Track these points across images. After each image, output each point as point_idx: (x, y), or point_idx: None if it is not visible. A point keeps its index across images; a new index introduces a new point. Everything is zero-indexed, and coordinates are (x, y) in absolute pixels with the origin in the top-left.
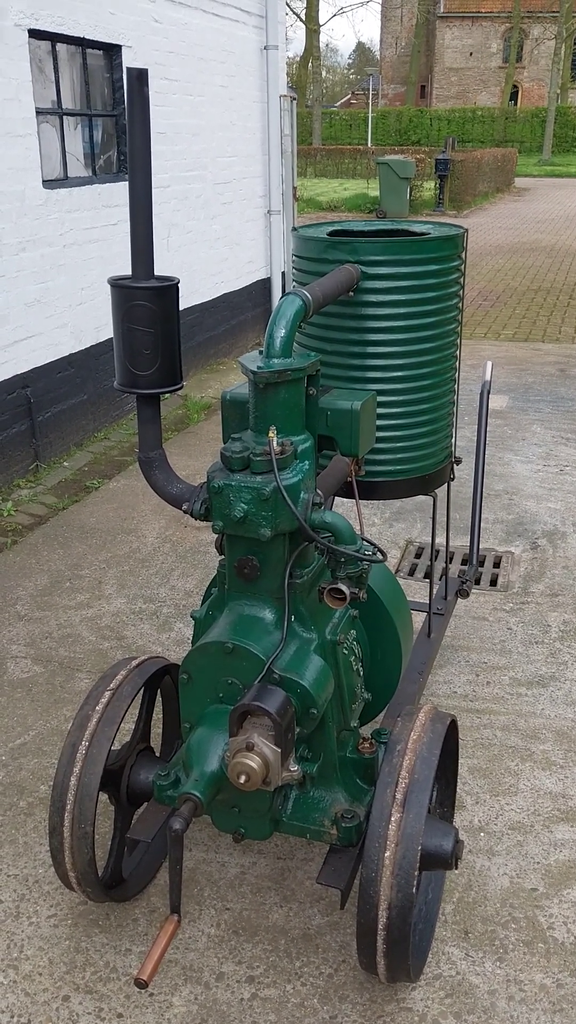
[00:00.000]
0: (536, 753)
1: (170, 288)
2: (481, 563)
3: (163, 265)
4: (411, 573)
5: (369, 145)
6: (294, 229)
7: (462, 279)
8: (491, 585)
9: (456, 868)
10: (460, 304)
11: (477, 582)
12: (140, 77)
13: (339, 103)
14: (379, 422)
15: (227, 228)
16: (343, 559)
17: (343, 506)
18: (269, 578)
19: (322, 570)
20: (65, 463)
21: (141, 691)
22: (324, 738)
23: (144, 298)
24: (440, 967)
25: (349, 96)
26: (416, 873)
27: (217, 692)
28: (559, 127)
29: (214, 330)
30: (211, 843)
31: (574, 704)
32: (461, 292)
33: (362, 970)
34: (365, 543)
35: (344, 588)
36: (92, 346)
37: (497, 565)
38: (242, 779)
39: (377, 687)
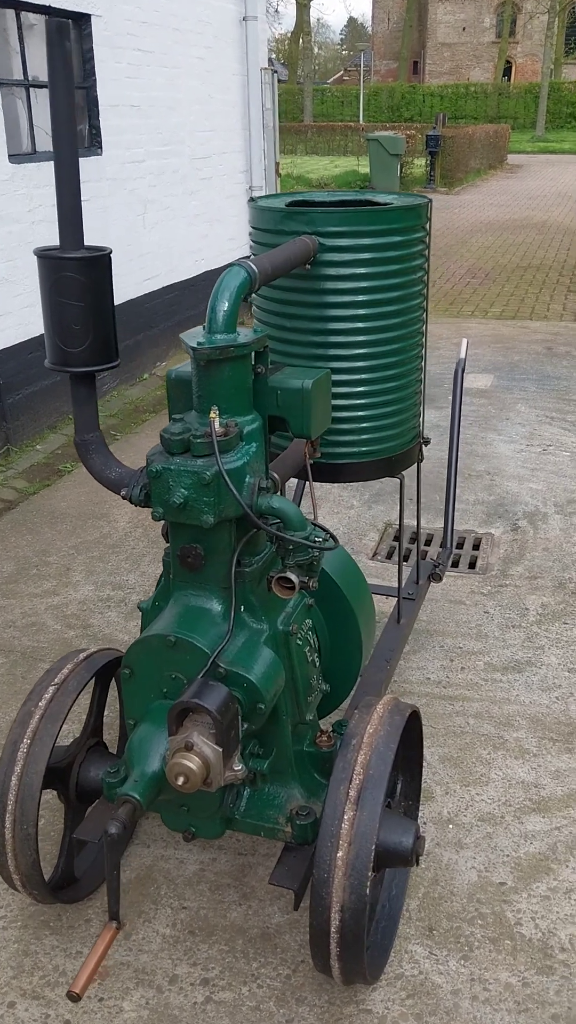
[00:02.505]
0: (509, 741)
1: (101, 258)
2: (459, 545)
3: (140, 243)
4: (388, 556)
5: (361, 122)
6: (251, 200)
7: (427, 251)
8: (469, 567)
9: (417, 864)
10: (425, 277)
11: (455, 565)
12: (60, 30)
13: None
14: (342, 402)
15: (207, 205)
16: (292, 547)
17: (320, 489)
18: (215, 567)
19: (273, 558)
20: (37, 446)
21: (93, 683)
22: (278, 733)
23: (73, 269)
24: (402, 966)
25: (341, 73)
26: (369, 874)
27: (161, 688)
28: (552, 103)
29: (194, 309)
30: (170, 839)
31: (550, 690)
32: (426, 265)
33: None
34: (316, 529)
35: (293, 577)
36: None
37: (476, 547)
38: (180, 781)
39: (337, 677)
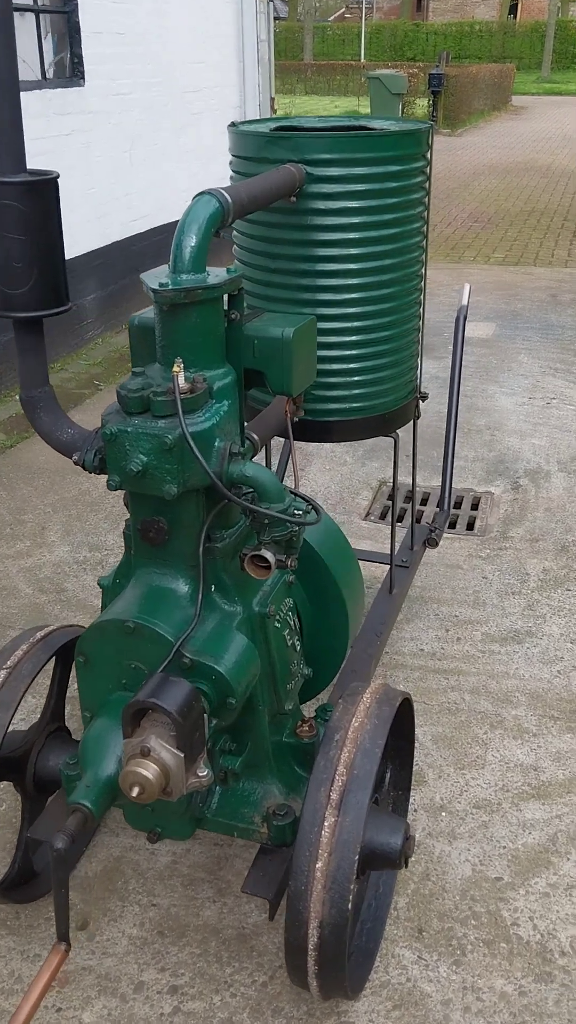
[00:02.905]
0: (507, 719)
1: (47, 184)
2: (457, 505)
3: (126, 181)
4: (382, 516)
5: (362, 61)
6: (231, 124)
7: (427, 183)
8: (467, 529)
9: (405, 867)
10: (425, 213)
11: (451, 526)
12: None
13: (332, 17)
14: (330, 352)
15: (198, 141)
16: (267, 521)
17: (311, 444)
18: (181, 543)
19: (248, 532)
20: (16, 396)
21: (54, 663)
22: (253, 725)
23: (12, 196)
24: (389, 972)
25: (343, 10)
26: (352, 887)
27: (119, 678)
28: (559, 43)
29: None
30: None
31: (551, 663)
32: (426, 199)
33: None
34: (297, 500)
35: (268, 555)
36: None
37: (475, 507)
38: (135, 791)
39: (321, 660)
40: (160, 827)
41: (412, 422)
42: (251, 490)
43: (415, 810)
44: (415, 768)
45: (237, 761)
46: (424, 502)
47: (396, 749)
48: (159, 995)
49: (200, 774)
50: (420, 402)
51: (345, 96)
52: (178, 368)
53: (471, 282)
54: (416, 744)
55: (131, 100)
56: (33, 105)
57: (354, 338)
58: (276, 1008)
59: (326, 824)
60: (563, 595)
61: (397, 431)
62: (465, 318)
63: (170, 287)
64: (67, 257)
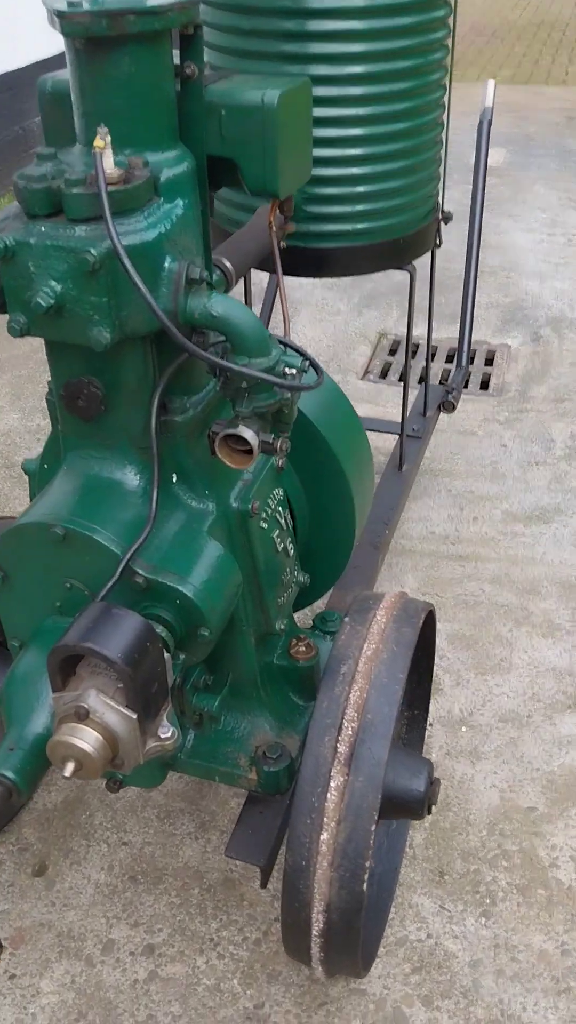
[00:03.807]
0: (535, 614)
1: None
2: (469, 361)
3: None
4: (383, 375)
5: None
6: None
7: None
8: (481, 388)
9: (429, 814)
10: None
11: (465, 386)
12: None
13: None
14: (330, 152)
15: None
16: (246, 384)
17: (299, 291)
18: (124, 415)
19: (219, 400)
20: None
21: None
22: (236, 650)
23: None
24: (406, 927)
25: None
26: (368, 865)
27: (52, 599)
28: None
29: None
30: None
31: None
32: None
33: None
34: (288, 354)
35: (248, 434)
36: None
37: (489, 363)
38: (69, 767)
39: (320, 562)
40: (122, 774)
41: (431, 252)
42: (221, 339)
43: (429, 724)
44: None
45: (215, 701)
46: (432, 357)
47: (412, 661)
48: (132, 957)
49: (163, 735)
50: (443, 224)
51: None
52: (102, 142)
53: (475, 103)
54: None
55: None
56: None
57: (360, 131)
58: (272, 972)
59: (332, 785)
60: None
61: (413, 263)
62: (490, 123)
63: (85, 7)
64: None
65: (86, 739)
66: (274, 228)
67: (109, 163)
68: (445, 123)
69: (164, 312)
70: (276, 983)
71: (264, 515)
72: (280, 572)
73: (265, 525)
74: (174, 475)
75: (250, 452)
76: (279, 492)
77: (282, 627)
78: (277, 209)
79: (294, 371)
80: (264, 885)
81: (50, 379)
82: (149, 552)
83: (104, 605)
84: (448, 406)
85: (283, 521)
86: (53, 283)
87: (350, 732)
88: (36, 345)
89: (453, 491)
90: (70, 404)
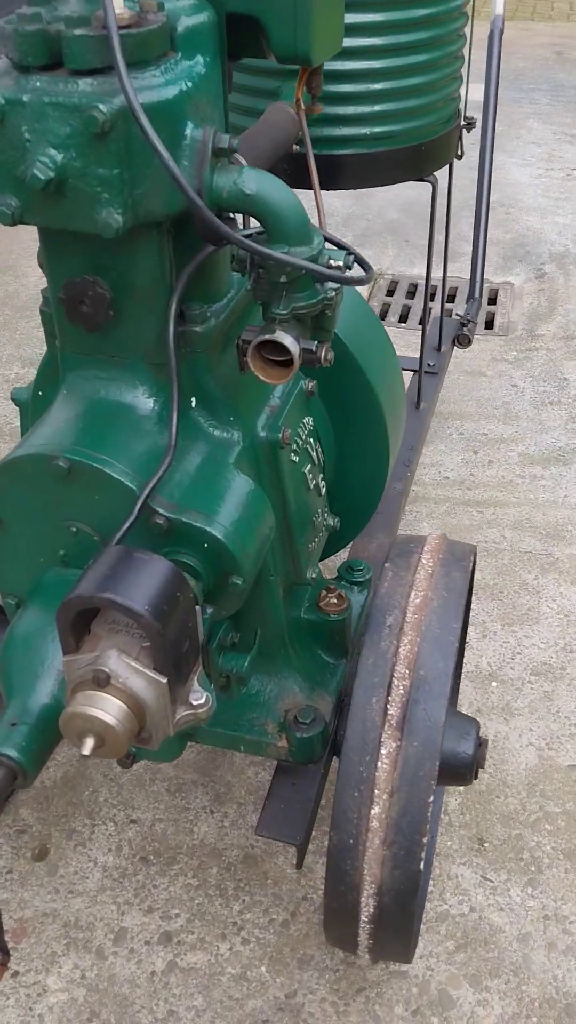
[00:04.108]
0: (561, 560)
1: None
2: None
3: None
4: (382, 317)
5: None
6: None
7: None
8: (487, 328)
9: (475, 779)
10: None
11: None
12: None
13: None
14: (347, 42)
15: None
16: (286, 278)
17: None
18: (135, 324)
19: (247, 306)
20: None
21: None
22: (263, 602)
23: None
24: (446, 900)
25: None
26: (425, 841)
27: (54, 547)
28: None
29: None
30: None
31: None
32: None
33: None
34: (330, 247)
35: (288, 341)
36: None
37: (493, 301)
38: (88, 744)
39: (349, 504)
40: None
41: (450, 165)
42: (256, 226)
43: None
44: None
45: (245, 661)
46: (432, 297)
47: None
48: (147, 947)
49: (195, 702)
50: (465, 132)
51: None
52: None
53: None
54: None
55: None
56: None
57: (378, 17)
58: (303, 957)
59: (383, 752)
60: None
61: (435, 174)
62: (501, 32)
63: None
64: None
65: (108, 709)
66: (302, 109)
67: (119, 2)
68: (469, 12)
69: (190, 187)
70: (308, 968)
71: (295, 446)
72: (311, 513)
73: (296, 458)
74: (193, 399)
75: (289, 363)
76: (309, 421)
77: (313, 576)
78: (307, 83)
79: (340, 263)
80: (299, 866)
81: (46, 286)
82: (169, 488)
83: (123, 549)
84: (464, 340)
85: (315, 455)
86: (52, 151)
87: (401, 691)
88: (12, 292)
89: (465, 434)
90: (72, 311)
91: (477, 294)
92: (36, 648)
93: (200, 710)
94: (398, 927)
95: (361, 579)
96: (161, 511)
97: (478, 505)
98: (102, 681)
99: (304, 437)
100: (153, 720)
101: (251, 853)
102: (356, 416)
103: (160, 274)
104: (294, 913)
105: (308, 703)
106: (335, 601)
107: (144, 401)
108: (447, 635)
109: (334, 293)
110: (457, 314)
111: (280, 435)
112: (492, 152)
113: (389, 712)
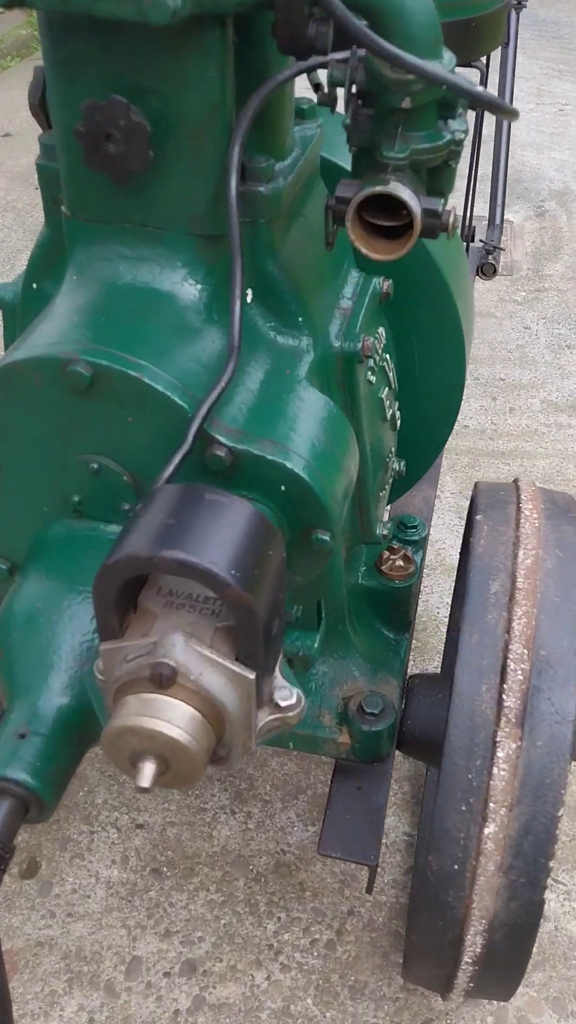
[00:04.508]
0: None
1: None
2: (471, 238)
3: None
4: None
5: None
6: None
7: None
8: None
9: None
10: None
11: None
12: None
13: None
14: None
15: None
16: (410, 103)
17: None
18: (180, 176)
19: (313, 177)
20: None
21: None
22: (326, 567)
23: None
24: None
25: None
26: (551, 865)
27: (65, 491)
28: None
29: None
30: None
31: None
32: None
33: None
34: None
35: (406, 194)
36: None
37: None
38: (147, 770)
39: (414, 445)
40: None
41: (502, 49)
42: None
43: None
44: None
45: (315, 640)
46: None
47: None
48: (167, 979)
49: (284, 702)
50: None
51: None
52: None
53: None
54: None
55: None
56: None
57: None
58: (356, 984)
59: (500, 755)
60: None
61: (483, 60)
62: None
63: None
64: None
65: (175, 719)
66: None
67: None
68: None
69: None
70: (362, 999)
71: (371, 364)
72: (385, 452)
73: (373, 379)
74: (249, 292)
75: (403, 230)
76: (383, 333)
77: (384, 533)
78: None
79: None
80: (369, 890)
81: (41, 133)
82: (231, 409)
83: (187, 488)
84: (489, 269)
85: (391, 376)
86: None
87: (519, 677)
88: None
89: (481, 379)
90: (92, 150)
91: (498, 220)
92: (45, 628)
93: (290, 713)
94: (510, 967)
95: (416, 537)
96: (223, 439)
97: (504, 456)
98: (166, 679)
99: (381, 352)
100: (234, 731)
101: (283, 860)
102: (430, 333)
103: (221, 99)
104: (340, 931)
105: (372, 688)
106: (401, 564)
107: (187, 289)
108: (570, 604)
109: (463, 135)
110: (481, 240)
111: (360, 345)
112: (515, 58)
113: (505, 704)
